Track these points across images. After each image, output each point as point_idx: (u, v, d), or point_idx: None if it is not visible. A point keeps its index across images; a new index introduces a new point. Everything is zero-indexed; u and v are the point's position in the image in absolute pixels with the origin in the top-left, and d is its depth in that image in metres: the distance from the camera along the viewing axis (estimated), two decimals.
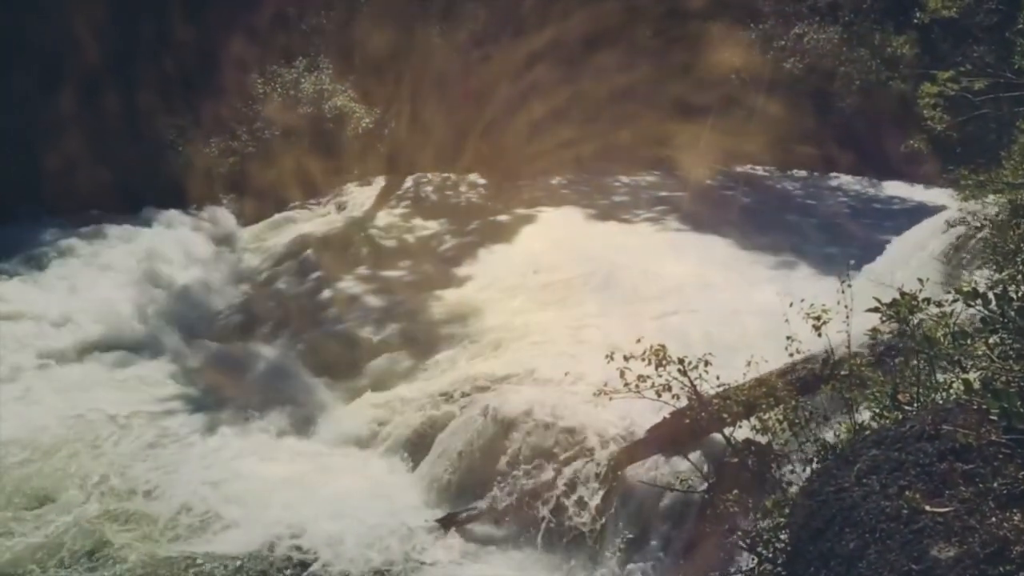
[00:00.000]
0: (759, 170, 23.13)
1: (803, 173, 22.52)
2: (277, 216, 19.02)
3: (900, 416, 4.31)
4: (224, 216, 19.14)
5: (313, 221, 18.83)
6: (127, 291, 15.21)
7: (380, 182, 20.66)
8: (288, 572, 8.61)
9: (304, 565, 8.68)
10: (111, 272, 15.82)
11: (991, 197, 8.82)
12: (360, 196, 20.20)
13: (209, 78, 19.88)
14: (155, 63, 19.37)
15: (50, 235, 16.99)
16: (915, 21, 13.71)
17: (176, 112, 19.77)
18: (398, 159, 20.81)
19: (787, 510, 4.39)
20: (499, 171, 20.90)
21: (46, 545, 8.78)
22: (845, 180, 21.91)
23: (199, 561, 8.64)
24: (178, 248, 17.24)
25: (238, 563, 8.64)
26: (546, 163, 21.10)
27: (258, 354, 13.15)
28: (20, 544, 8.78)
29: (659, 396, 5.79)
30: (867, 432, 4.17)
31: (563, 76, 21.48)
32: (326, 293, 15.03)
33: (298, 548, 8.86)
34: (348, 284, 15.20)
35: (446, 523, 9.17)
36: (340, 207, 19.80)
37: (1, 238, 16.60)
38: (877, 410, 4.59)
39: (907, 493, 3.21)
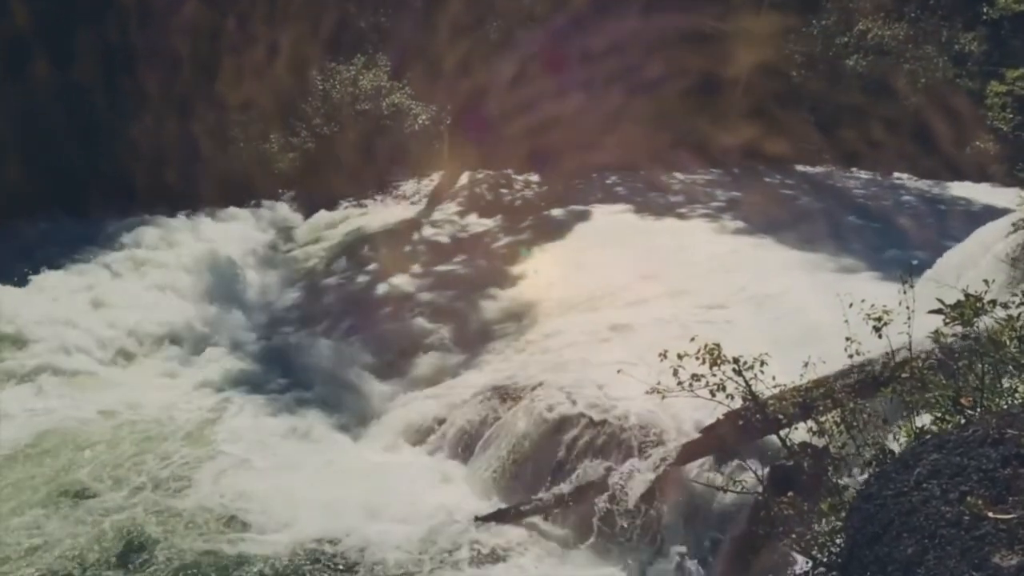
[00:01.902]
0: (818, 169, 22.74)
1: (864, 173, 22.06)
2: (335, 211, 19.31)
3: (962, 420, 4.22)
4: (283, 211, 19.50)
5: (370, 216, 19.08)
6: (186, 284, 15.55)
7: (435, 178, 20.84)
8: (333, 568, 8.60)
9: (351, 558, 8.70)
10: (171, 265, 16.17)
11: None
12: (416, 192, 20.43)
13: (267, 73, 20.27)
14: (213, 58, 19.82)
15: (114, 226, 17.43)
16: (984, 17, 13.32)
17: (236, 107, 20.18)
18: (454, 156, 20.96)
19: (843, 514, 4.31)
20: (553, 168, 20.91)
21: (80, 541, 8.71)
22: (908, 180, 21.41)
23: (240, 558, 8.62)
24: (239, 241, 17.59)
25: (279, 560, 8.62)
26: (600, 160, 21.04)
27: (314, 348, 13.33)
28: (55, 540, 8.72)
29: (713, 396, 5.71)
30: (928, 436, 4.07)
31: (616, 74, 21.36)
32: (382, 288, 15.22)
33: (345, 543, 8.89)
34: (403, 279, 15.36)
35: (497, 519, 9.20)
36: (397, 203, 20.04)
37: (72, 230, 17.10)
38: (938, 414, 4.49)
39: (969, 499, 3.14)
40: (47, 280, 14.93)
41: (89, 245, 16.64)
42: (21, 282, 14.67)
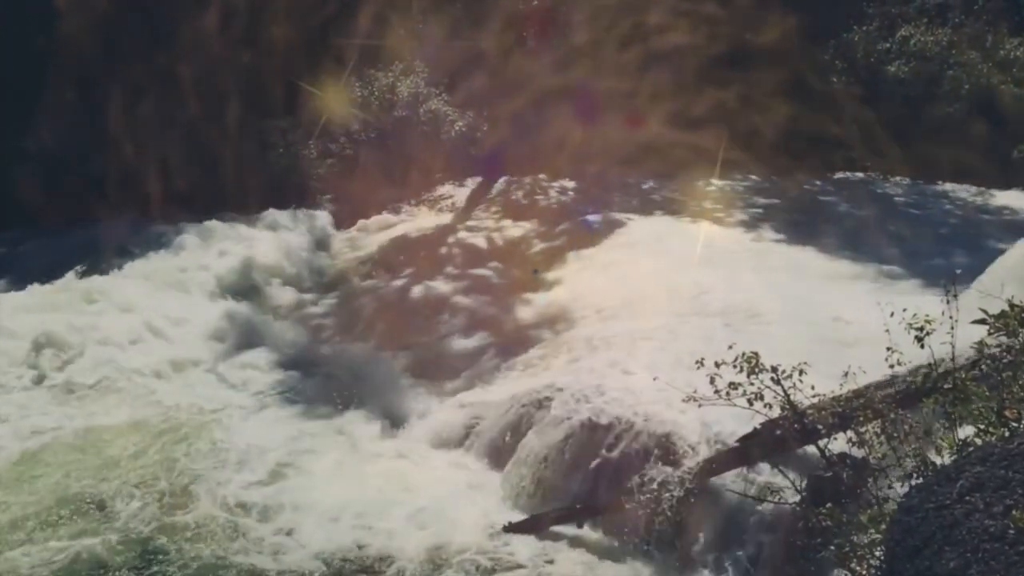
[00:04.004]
0: (858, 176, 22.46)
1: (906, 180, 21.73)
2: (372, 217, 19.44)
3: (1007, 433, 4.14)
4: (320, 217, 19.67)
5: (406, 223, 19.18)
6: (220, 289, 15.71)
7: (472, 184, 20.92)
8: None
9: (374, 567, 8.57)
10: (205, 270, 16.36)
11: None
12: (452, 198, 20.52)
13: (307, 80, 20.47)
14: (252, 65, 19.98)
15: (147, 229, 17.67)
16: None
17: (277, 114, 20.42)
18: (490, 162, 21.05)
19: (883, 526, 4.26)
20: (589, 174, 20.92)
21: (88, 555, 8.47)
22: (952, 188, 21.02)
23: (260, 568, 8.46)
24: (275, 248, 17.76)
25: (300, 569, 8.48)
26: (636, 167, 20.99)
27: (347, 353, 13.38)
28: (62, 554, 8.48)
29: (750, 405, 5.69)
30: (971, 448, 4.01)
31: (654, 78, 21.25)
32: (416, 293, 15.29)
33: (372, 551, 8.78)
34: (438, 285, 15.42)
35: (527, 527, 9.17)
36: (433, 209, 20.14)
37: (93, 236, 17.24)
38: (982, 426, 4.42)
39: (1014, 513, 3.08)
40: (73, 284, 15.10)
41: (122, 248, 16.87)
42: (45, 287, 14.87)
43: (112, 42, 18.96)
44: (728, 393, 5.66)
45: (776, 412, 5.98)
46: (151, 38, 19.36)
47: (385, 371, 12.68)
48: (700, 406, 5.94)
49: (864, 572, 4.55)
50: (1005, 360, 4.65)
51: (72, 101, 18.51)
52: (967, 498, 3.33)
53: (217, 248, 17.22)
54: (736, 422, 8.08)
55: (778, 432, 6.69)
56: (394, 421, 11.57)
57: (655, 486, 8.64)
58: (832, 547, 5.00)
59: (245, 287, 16.01)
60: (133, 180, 18.14)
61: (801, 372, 5.68)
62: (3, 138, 18.04)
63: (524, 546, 8.94)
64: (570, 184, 21.21)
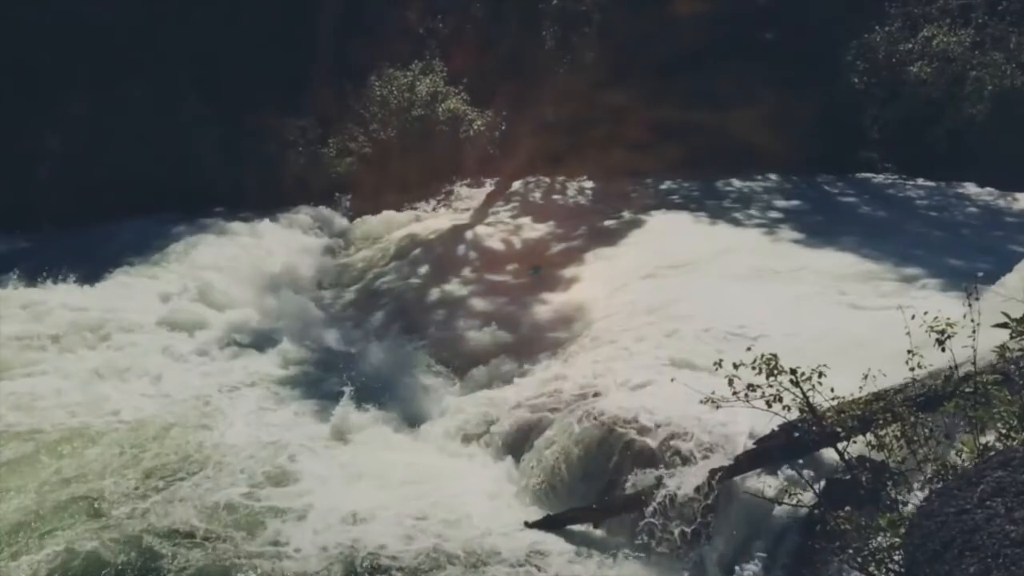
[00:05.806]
0: (880, 177, 22.30)
1: (928, 181, 21.54)
2: (390, 215, 19.48)
3: None
4: (339, 214, 19.77)
5: (424, 221, 19.22)
6: (240, 285, 15.77)
7: (490, 184, 20.93)
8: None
9: (388, 564, 8.52)
10: (225, 266, 16.44)
11: None
12: (470, 197, 20.53)
13: (327, 80, 20.58)
14: (278, 64, 20.10)
15: (173, 230, 17.79)
16: None
17: (297, 112, 20.53)
18: (508, 161, 21.06)
19: (902, 530, 4.23)
20: (607, 174, 20.87)
21: (91, 559, 8.28)
22: (974, 190, 20.81)
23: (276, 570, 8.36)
24: (294, 244, 17.86)
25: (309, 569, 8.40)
26: (654, 166, 20.92)
27: (365, 351, 13.42)
28: (62, 558, 8.28)
29: (769, 407, 5.64)
30: (992, 453, 3.97)
31: (672, 77, 21.18)
32: (434, 292, 15.31)
33: (385, 549, 8.75)
34: (455, 284, 15.44)
35: (545, 525, 9.17)
36: (450, 208, 20.17)
37: (124, 233, 17.50)
38: (1003, 430, 4.38)
39: None
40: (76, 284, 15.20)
41: (141, 244, 16.99)
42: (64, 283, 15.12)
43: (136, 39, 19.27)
44: (747, 395, 5.63)
45: (795, 414, 5.94)
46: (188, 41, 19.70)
47: (401, 368, 12.71)
48: (718, 408, 5.90)
49: None
50: None
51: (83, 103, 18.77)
52: (988, 503, 3.30)
53: (234, 245, 17.33)
54: (754, 424, 8.07)
55: (796, 434, 6.65)
56: (410, 418, 11.60)
57: (672, 487, 8.61)
58: (850, 551, 4.97)
59: (262, 283, 16.07)
60: (148, 179, 18.30)
61: (820, 374, 5.64)
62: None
63: (540, 544, 8.92)
64: (588, 184, 21.18)
